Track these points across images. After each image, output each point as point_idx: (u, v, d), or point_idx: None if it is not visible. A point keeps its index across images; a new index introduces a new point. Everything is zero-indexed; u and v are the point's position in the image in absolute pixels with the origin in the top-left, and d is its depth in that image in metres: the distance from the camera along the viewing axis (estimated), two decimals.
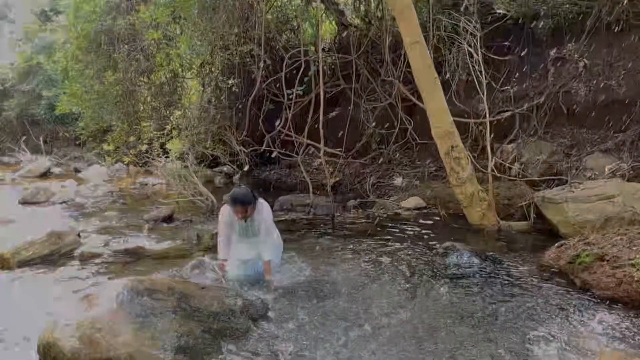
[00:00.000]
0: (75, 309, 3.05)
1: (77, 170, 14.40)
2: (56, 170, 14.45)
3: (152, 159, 11.16)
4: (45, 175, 13.48)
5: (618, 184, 5.53)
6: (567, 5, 7.90)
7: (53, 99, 17.42)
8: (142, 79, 11.68)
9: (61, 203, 8.80)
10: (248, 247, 4.31)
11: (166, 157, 11.32)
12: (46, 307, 3.72)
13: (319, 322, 3.49)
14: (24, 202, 8.81)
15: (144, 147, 12.11)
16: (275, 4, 10.83)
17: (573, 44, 7.80)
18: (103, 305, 3.00)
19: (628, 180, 5.88)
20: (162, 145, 12.04)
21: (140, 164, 12.59)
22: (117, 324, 2.85)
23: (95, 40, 11.01)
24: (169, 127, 11.80)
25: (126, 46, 10.84)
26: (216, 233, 5.79)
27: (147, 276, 3.76)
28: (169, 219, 7.14)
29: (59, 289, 4.28)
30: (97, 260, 5.12)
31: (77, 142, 18.82)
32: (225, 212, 4.27)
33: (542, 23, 8.21)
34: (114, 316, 2.91)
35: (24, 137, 19.43)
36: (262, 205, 4.25)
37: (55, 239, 5.31)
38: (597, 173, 6.54)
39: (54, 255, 5.17)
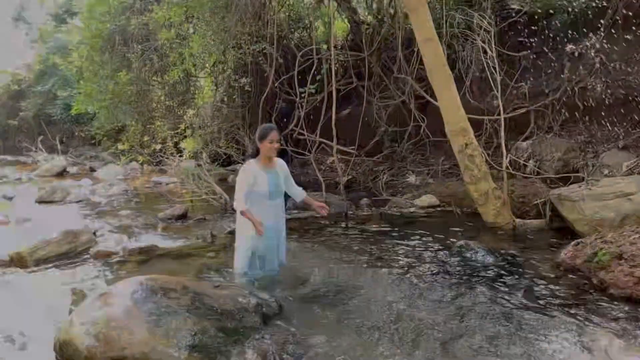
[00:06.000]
0: (91, 307, 3.08)
1: (92, 170, 14.58)
2: (72, 169, 14.65)
3: (166, 158, 11.26)
4: (61, 174, 13.68)
5: (636, 181, 5.43)
6: (584, 0, 7.78)
7: (69, 99, 17.64)
8: (155, 78, 11.78)
9: (77, 202, 8.92)
10: (272, 210, 4.19)
11: (180, 156, 11.42)
12: (62, 305, 3.77)
13: (332, 320, 3.48)
14: (41, 201, 8.95)
15: (158, 146, 12.24)
16: (287, 2, 10.83)
17: (589, 39, 7.68)
18: (118, 304, 3.02)
19: None
20: (175, 144, 12.16)
21: (155, 163, 12.73)
22: (132, 322, 2.87)
23: (110, 41, 11.12)
24: (182, 126, 11.92)
25: (140, 46, 10.92)
26: (230, 232, 5.84)
27: (162, 274, 3.78)
28: (183, 217, 7.19)
29: (74, 287, 4.33)
30: (112, 259, 5.17)
31: (93, 142, 19.08)
32: (250, 167, 4.11)
33: (557, 18, 8.10)
34: (129, 314, 2.93)
35: (40, 137, 19.71)
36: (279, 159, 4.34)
37: (71, 238, 5.37)
38: (614, 170, 6.43)
39: (69, 254, 5.24)
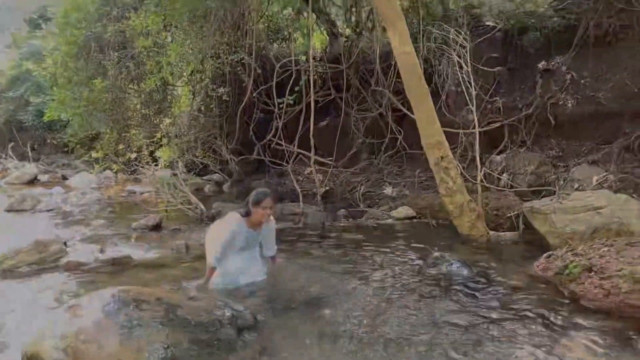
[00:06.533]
0: (61, 319, 3.00)
1: (64, 178, 14.27)
2: (43, 177, 14.31)
3: (141, 167, 11.10)
4: (32, 182, 13.35)
5: (605, 195, 5.58)
6: (555, 19, 8.02)
7: (41, 106, 17.28)
8: (131, 86, 11.63)
9: (48, 211, 8.71)
10: (245, 258, 4.25)
11: (155, 165, 11.27)
12: (31, 318, 3.66)
13: (307, 332, 3.46)
14: (10, 210, 8.70)
15: (133, 155, 12.06)
16: (266, 13, 10.87)
17: (561, 56, 7.90)
18: (89, 316, 2.94)
19: (615, 192, 5.94)
20: (151, 153, 12.00)
21: (129, 172, 12.53)
22: (102, 335, 2.80)
23: (85, 47, 10.95)
24: (158, 135, 11.78)
25: (116, 53, 10.79)
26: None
27: (135, 286, 3.71)
28: (157, 227, 7.08)
29: (43, 298, 4.21)
30: (84, 270, 5.05)
31: (65, 149, 18.69)
32: (235, 221, 4.13)
33: (530, 36, 8.32)
34: (100, 327, 2.86)
35: (11, 144, 19.23)
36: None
37: (41, 248, 5.23)
38: (584, 184, 6.60)
39: (39, 265, 5.10)
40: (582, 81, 7.65)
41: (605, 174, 6.60)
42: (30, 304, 4.10)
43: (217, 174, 11.67)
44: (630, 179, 6.46)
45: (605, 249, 4.22)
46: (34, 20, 21.59)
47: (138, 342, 2.80)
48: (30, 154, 17.43)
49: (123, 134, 12.19)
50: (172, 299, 3.33)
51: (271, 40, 11.36)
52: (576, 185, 6.64)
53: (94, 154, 13.23)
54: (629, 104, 7.14)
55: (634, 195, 5.85)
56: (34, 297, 4.26)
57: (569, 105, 7.61)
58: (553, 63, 7.96)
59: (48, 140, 20.26)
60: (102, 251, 5.66)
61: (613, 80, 7.42)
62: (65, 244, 5.75)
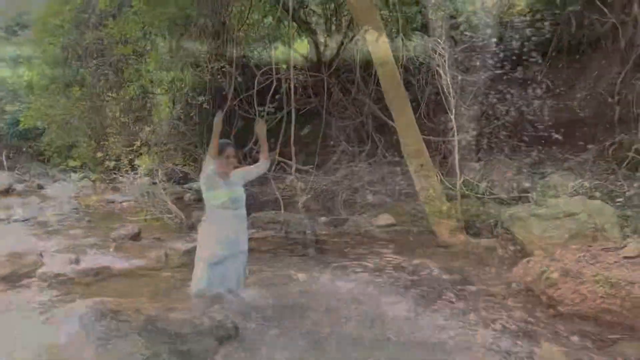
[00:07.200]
0: (37, 332, 2.94)
1: (40, 187, 13.99)
2: (19, 186, 13.99)
3: (120, 176, 10.96)
4: (7, 192, 13.04)
5: (581, 201, 5.69)
6: (530, 29, 8.19)
7: (17, 114, 16.97)
8: (110, 94, 11.51)
9: (23, 221, 8.52)
10: (234, 221, 4.14)
11: (135, 174, 11.13)
12: (6, 331, 3.57)
13: (290, 341, 3.44)
14: None
15: (112, 163, 11.90)
16: (247, 21, 10.87)
17: (536, 65, 8.06)
18: (65, 328, 2.89)
19: (590, 198, 6.06)
20: (130, 162, 11.85)
21: (108, 181, 12.35)
22: (79, 348, 2.75)
23: (62, 55, 10.81)
24: (138, 143, 11.65)
25: (94, 61, 10.67)
26: (187, 250, 5.71)
27: (113, 297, 3.65)
28: (136, 237, 6.98)
29: (19, 311, 4.11)
30: (60, 281, 4.94)
31: (42, 158, 18.34)
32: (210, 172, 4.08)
33: (507, 45, 8.48)
34: (76, 339, 2.81)
35: None
36: None
37: (16, 259, 5.12)
38: (560, 191, 6.72)
39: (13, 276, 4.97)
40: (557, 90, 7.82)
41: (580, 180, 6.73)
42: (5, 316, 3.99)
43: (197, 183, 11.56)
44: (604, 185, 6.61)
45: (582, 254, 4.30)
46: (10, 27, 21.22)
47: (116, 354, 2.76)
48: (5, 162, 17.06)
49: (101, 142, 12.04)
50: (151, 310, 3.29)
51: (252, 49, 11.36)
52: (552, 192, 6.76)
53: (71, 163, 13.03)
54: (603, 112, 7.32)
55: (608, 201, 5.98)
56: (8, 310, 4.16)
57: (545, 113, 7.76)
58: (528, 72, 8.12)
59: (24, 149, 19.86)
60: (77, 261, 5.54)
61: (587, 88, 7.60)
62: (41, 254, 5.63)
